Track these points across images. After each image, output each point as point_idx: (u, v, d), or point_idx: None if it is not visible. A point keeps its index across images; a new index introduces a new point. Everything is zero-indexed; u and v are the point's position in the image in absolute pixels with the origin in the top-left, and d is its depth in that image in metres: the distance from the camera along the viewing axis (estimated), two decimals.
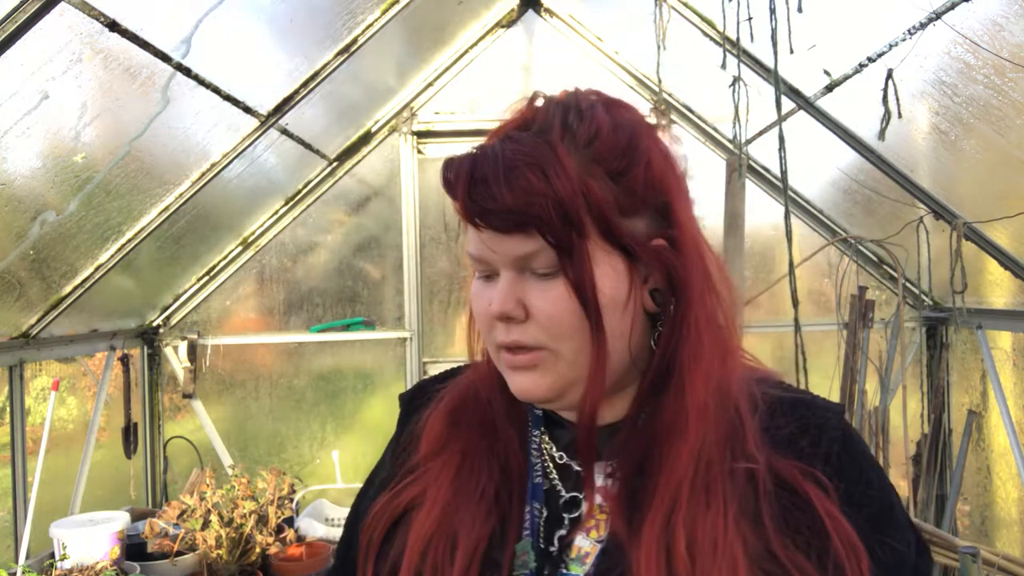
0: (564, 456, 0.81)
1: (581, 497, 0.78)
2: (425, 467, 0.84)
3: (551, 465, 0.81)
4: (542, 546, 0.77)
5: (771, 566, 0.69)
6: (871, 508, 0.74)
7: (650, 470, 0.73)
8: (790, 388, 0.80)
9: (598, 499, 0.76)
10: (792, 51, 2.27)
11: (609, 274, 0.72)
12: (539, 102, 0.77)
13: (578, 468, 0.79)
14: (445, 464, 0.82)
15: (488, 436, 0.83)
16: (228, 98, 2.52)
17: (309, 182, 3.60)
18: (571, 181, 0.69)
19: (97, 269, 2.78)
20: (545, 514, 0.78)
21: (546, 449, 0.82)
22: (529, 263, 0.72)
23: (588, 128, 0.73)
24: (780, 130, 2.35)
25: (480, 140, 0.76)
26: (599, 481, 0.77)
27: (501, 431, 0.82)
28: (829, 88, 2.68)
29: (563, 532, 0.77)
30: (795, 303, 2.51)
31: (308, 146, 3.27)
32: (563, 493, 0.79)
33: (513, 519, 0.78)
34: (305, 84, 2.78)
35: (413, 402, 0.93)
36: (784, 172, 2.38)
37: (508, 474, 0.81)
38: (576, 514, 0.78)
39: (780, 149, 2.36)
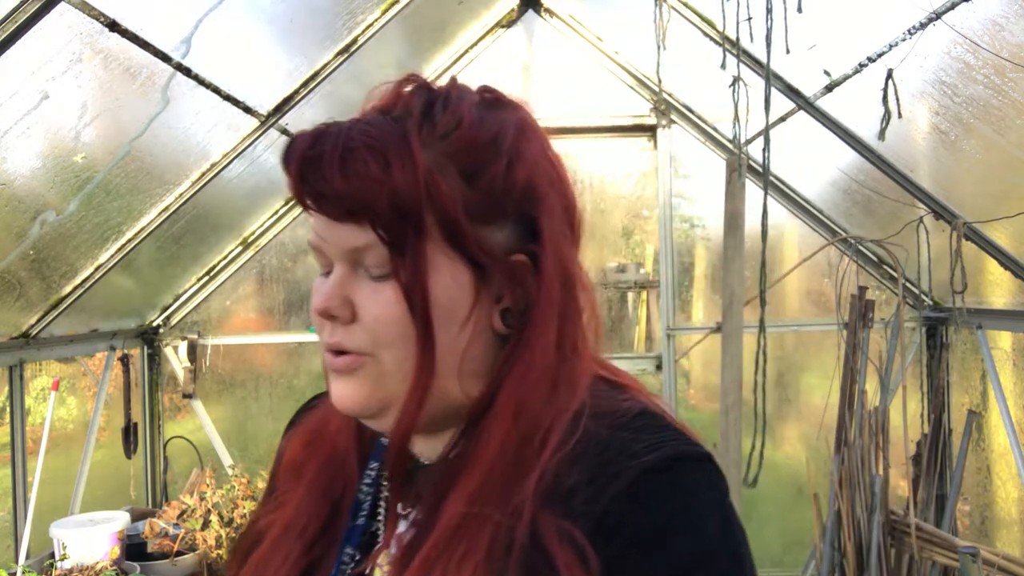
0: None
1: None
2: (280, 496, 0.77)
3: (384, 506, 0.72)
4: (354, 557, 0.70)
5: None
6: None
7: (436, 515, 0.64)
8: (636, 427, 0.64)
9: (394, 549, 0.67)
10: (788, 51, 2.27)
11: (448, 284, 0.63)
12: (409, 86, 0.69)
13: (401, 512, 0.70)
14: (290, 494, 0.75)
15: (333, 468, 0.75)
16: (228, 98, 2.52)
17: None
18: (415, 172, 0.61)
19: (97, 269, 2.78)
20: (358, 558, 0.70)
21: (385, 486, 0.73)
22: (362, 258, 0.65)
23: (449, 119, 0.65)
24: (767, 128, 2.35)
25: None
26: (401, 527, 0.68)
27: (346, 462, 0.74)
28: (829, 88, 2.68)
29: None
30: (763, 303, 2.53)
31: None
32: (380, 540, 0.71)
33: (323, 567, 0.70)
34: (305, 84, 2.78)
35: (291, 422, 0.85)
36: (766, 167, 2.40)
37: (337, 513, 0.72)
38: (364, 565, 0.70)
39: (764, 149, 2.37)
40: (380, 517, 0.71)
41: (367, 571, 0.69)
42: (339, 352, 0.66)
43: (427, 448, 0.71)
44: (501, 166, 0.65)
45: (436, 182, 0.62)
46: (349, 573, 0.69)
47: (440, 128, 0.64)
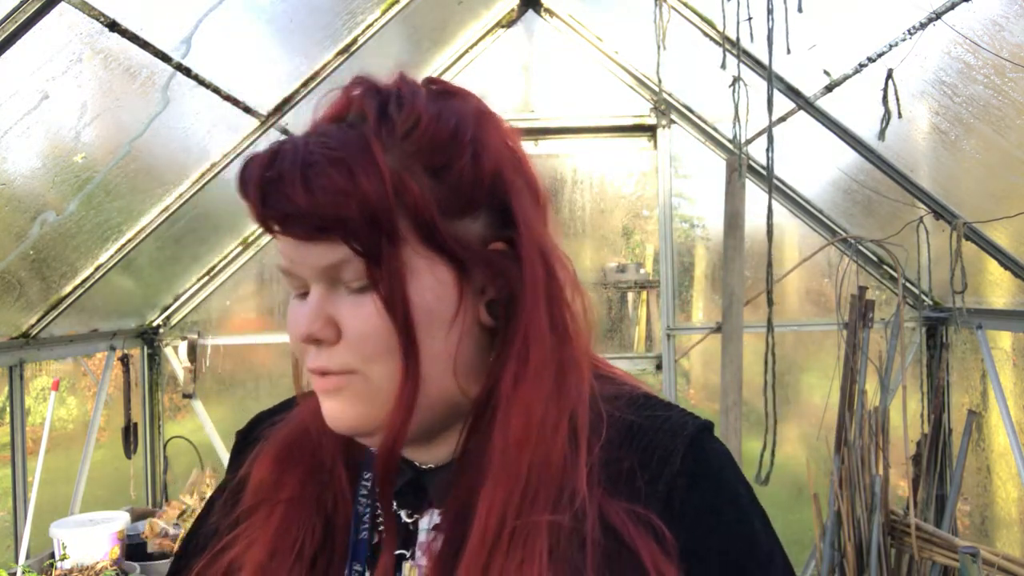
0: (395, 504, 0.70)
1: (407, 556, 0.68)
2: (247, 522, 0.71)
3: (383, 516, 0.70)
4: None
5: None
6: (720, 562, 0.62)
7: (467, 520, 0.63)
8: (646, 406, 0.67)
9: (420, 557, 0.66)
10: (789, 51, 2.27)
11: (431, 286, 0.62)
12: (357, 90, 0.66)
13: (407, 519, 0.69)
14: (267, 518, 0.70)
15: (317, 482, 0.71)
16: (228, 98, 2.53)
17: None
18: (381, 178, 0.59)
19: (97, 269, 2.78)
20: (367, 574, 0.68)
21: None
22: (339, 275, 0.62)
23: (406, 118, 0.63)
24: (770, 128, 2.35)
25: None
26: (422, 536, 0.68)
27: (333, 474, 0.71)
28: (829, 88, 2.68)
29: None
30: (770, 303, 2.52)
31: None
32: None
33: None
34: (305, 84, 2.78)
35: (247, 438, 0.80)
36: (770, 168, 2.39)
37: (333, 528, 0.69)
38: None
39: (768, 149, 2.37)
40: (382, 528, 0.69)
41: None
42: (324, 373, 0.64)
43: (428, 454, 0.70)
44: (467, 158, 0.63)
45: (404, 184, 0.60)
46: None
47: (399, 128, 0.62)
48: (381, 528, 0.69)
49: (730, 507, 0.64)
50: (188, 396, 3.63)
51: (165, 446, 3.65)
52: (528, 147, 3.60)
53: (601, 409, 0.65)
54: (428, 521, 0.68)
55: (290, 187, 0.58)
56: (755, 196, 3.32)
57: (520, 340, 0.64)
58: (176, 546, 2.56)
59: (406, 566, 0.67)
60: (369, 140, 0.60)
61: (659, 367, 3.60)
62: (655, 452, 0.63)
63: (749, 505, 0.65)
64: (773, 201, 2.56)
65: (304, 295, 0.65)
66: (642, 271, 3.70)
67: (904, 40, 2.24)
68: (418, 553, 0.67)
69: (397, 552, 0.68)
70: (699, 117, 3.54)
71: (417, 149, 0.62)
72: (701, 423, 0.66)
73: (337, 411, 0.64)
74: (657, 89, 3.35)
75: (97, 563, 2.37)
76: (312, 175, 0.58)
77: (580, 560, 0.60)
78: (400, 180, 0.60)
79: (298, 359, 0.68)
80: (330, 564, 0.68)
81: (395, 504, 0.70)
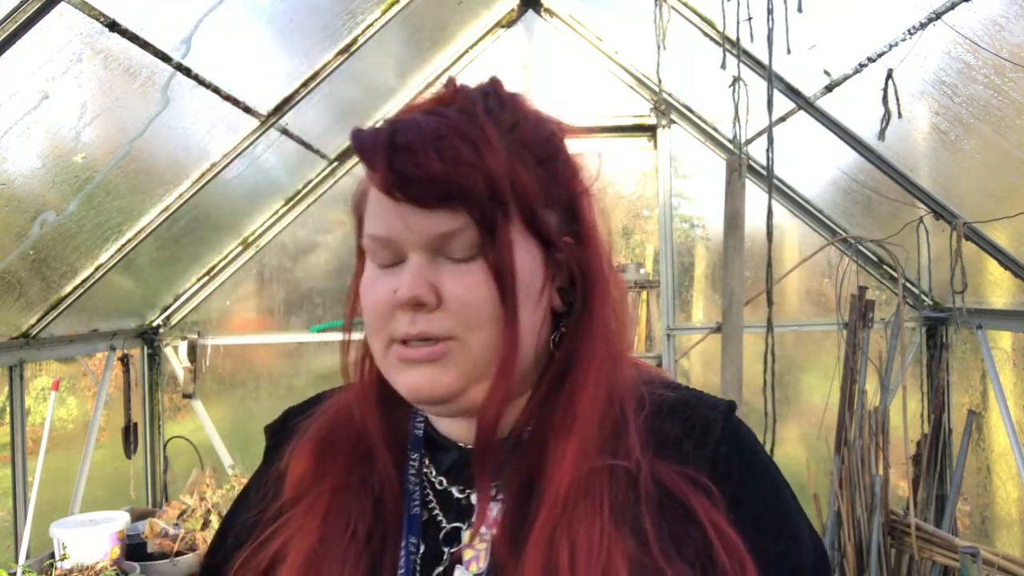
0: (444, 482, 0.74)
1: (463, 528, 0.71)
2: (291, 512, 0.74)
3: (431, 493, 0.74)
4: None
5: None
6: (761, 515, 0.70)
7: (534, 486, 0.68)
8: (678, 388, 0.76)
9: (483, 528, 0.70)
10: (789, 51, 2.27)
11: (528, 263, 0.67)
12: (453, 87, 0.73)
13: (459, 495, 0.73)
14: (312, 506, 0.73)
15: (361, 466, 0.74)
16: (228, 98, 2.53)
17: (309, 182, 3.60)
18: (500, 158, 0.65)
19: (97, 269, 2.78)
20: (423, 549, 0.71)
21: (426, 474, 0.74)
22: (446, 244, 0.66)
23: (511, 114, 0.70)
24: (770, 129, 2.35)
25: None
26: (493, 511, 0.71)
27: (377, 457, 0.73)
28: (829, 88, 2.68)
29: (440, 569, 0.70)
30: (769, 303, 2.52)
31: (308, 146, 3.27)
32: (444, 524, 0.72)
33: (387, 561, 0.70)
34: (305, 84, 2.78)
35: (278, 435, 0.83)
36: (770, 169, 2.39)
37: (382, 508, 0.72)
38: (455, 548, 0.71)
39: (768, 149, 2.37)
40: (432, 504, 0.73)
41: (451, 552, 0.71)
42: (419, 341, 0.66)
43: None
44: (562, 159, 0.71)
45: (516, 168, 0.66)
46: (419, 561, 0.71)
47: (504, 121, 0.68)
48: (431, 504, 0.73)
49: (763, 469, 0.73)
50: (188, 396, 3.63)
51: (165, 446, 3.65)
52: None
53: (642, 390, 0.72)
54: (482, 496, 0.71)
55: (422, 155, 0.63)
56: (755, 196, 3.32)
57: (593, 324, 0.71)
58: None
59: (465, 535, 0.71)
60: (485, 124, 0.66)
61: (659, 367, 3.60)
62: (697, 423, 0.71)
63: (774, 468, 0.75)
64: (773, 201, 2.56)
65: (390, 266, 0.68)
66: (642, 271, 3.70)
67: (904, 40, 2.24)
68: (481, 525, 0.70)
69: (453, 524, 0.72)
70: (699, 117, 3.54)
71: (523, 143, 0.68)
72: (729, 401, 0.75)
73: (430, 379, 0.67)
74: (657, 89, 3.35)
75: (97, 563, 2.37)
76: (442, 147, 0.63)
77: (637, 511, 0.66)
78: (511, 163, 0.66)
79: (372, 329, 0.69)
80: (385, 540, 0.71)
81: (445, 482, 0.74)
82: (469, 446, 0.73)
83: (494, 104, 0.69)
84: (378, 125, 0.67)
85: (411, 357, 0.67)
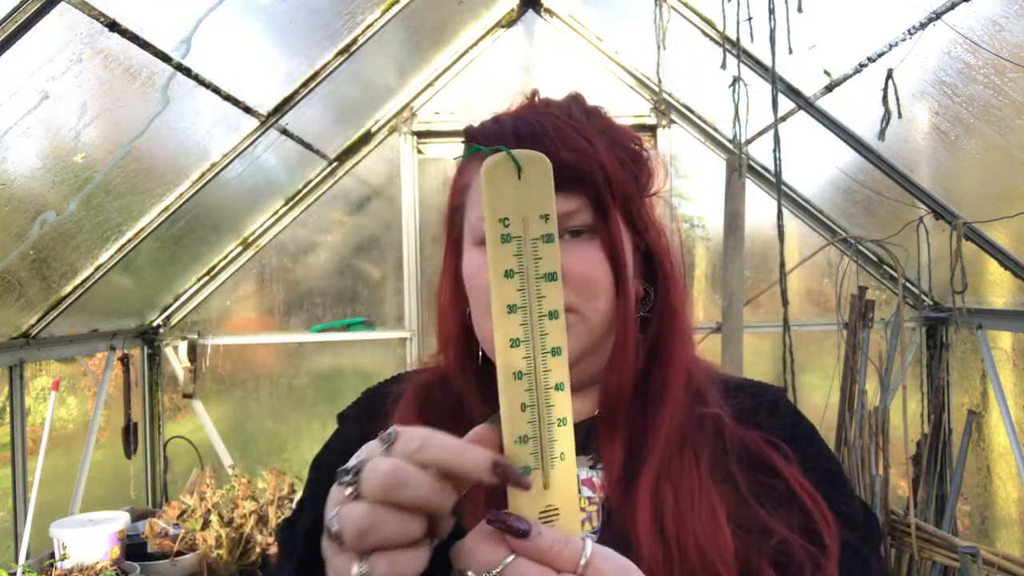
0: None
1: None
2: None
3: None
4: None
5: (746, 517, 0.72)
6: (826, 472, 0.79)
7: (634, 451, 0.75)
8: (725, 373, 0.86)
9: (586, 492, 0.76)
10: (791, 51, 2.27)
11: (626, 245, 0.76)
12: (539, 96, 0.81)
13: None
14: None
15: (460, 434, 0.78)
16: (228, 98, 2.53)
17: (309, 182, 3.60)
18: (606, 152, 0.74)
19: (97, 269, 2.78)
20: None
21: None
22: (565, 224, 0.73)
23: (599, 120, 0.79)
24: (776, 130, 2.35)
25: None
26: (583, 474, 0.77)
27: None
28: (829, 88, 2.68)
29: None
30: (784, 303, 2.51)
31: (308, 146, 3.27)
32: None
33: None
34: (305, 84, 2.78)
35: (366, 412, 0.88)
36: (778, 172, 2.38)
37: None
38: None
39: (775, 149, 2.37)
40: None
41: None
42: None
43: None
44: (641, 161, 0.81)
45: (615, 162, 0.75)
46: None
47: (597, 125, 0.77)
48: None
49: (822, 440, 0.84)
50: (188, 396, 3.63)
51: (165, 446, 3.65)
52: None
53: (711, 368, 0.84)
54: (581, 463, 0.76)
55: (549, 144, 0.71)
56: (755, 196, 3.33)
57: (672, 307, 0.80)
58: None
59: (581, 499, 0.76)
60: (586, 125, 0.76)
61: None
62: (765, 398, 0.83)
63: (828, 447, 0.85)
64: (773, 201, 2.56)
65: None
66: None
67: (904, 40, 2.24)
68: (585, 490, 0.76)
69: None
70: (699, 117, 3.54)
71: (615, 143, 0.78)
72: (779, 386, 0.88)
73: None
74: (657, 89, 3.35)
75: (97, 563, 2.37)
76: (565, 138, 0.72)
77: (727, 464, 0.75)
78: (612, 158, 0.75)
79: (483, 308, 0.75)
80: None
81: None
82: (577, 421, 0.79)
83: (583, 111, 0.79)
84: (489, 120, 0.76)
85: None
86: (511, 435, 0.54)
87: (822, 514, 0.73)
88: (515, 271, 0.54)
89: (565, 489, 0.54)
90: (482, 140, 0.75)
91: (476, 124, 0.77)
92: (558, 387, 0.54)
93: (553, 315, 0.55)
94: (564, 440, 0.54)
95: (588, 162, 0.73)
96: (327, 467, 0.84)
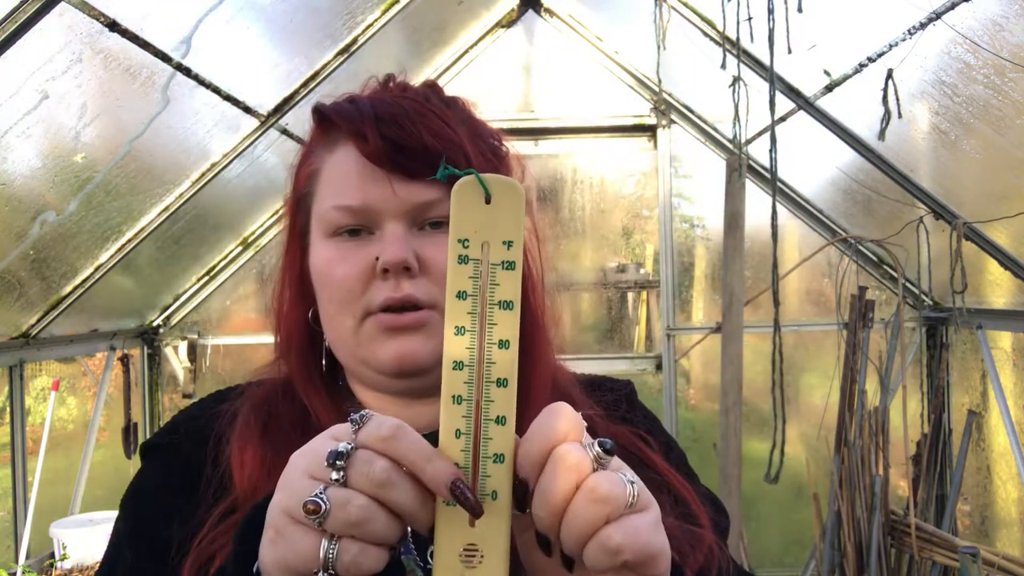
0: None
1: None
2: (247, 502, 0.68)
3: None
4: (419, 562, 0.68)
5: None
6: (680, 459, 0.83)
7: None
8: (584, 373, 0.87)
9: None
10: (791, 51, 2.27)
11: None
12: (396, 80, 0.78)
13: None
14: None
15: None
16: (228, 98, 2.53)
17: None
18: (469, 142, 0.70)
19: (97, 269, 2.78)
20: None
21: None
22: (424, 214, 0.69)
23: (460, 110, 0.75)
24: (772, 130, 2.34)
25: None
26: None
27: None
28: (829, 88, 2.68)
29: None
30: (776, 303, 2.51)
31: None
32: None
33: None
34: (305, 84, 2.78)
35: (188, 439, 0.75)
36: (774, 171, 2.38)
37: None
38: None
39: (772, 149, 2.37)
40: None
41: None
42: (410, 307, 0.68)
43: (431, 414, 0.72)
44: (502, 151, 0.76)
45: (477, 150, 0.71)
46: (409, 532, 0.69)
47: (456, 116, 0.73)
48: None
49: (669, 432, 0.86)
50: (188, 396, 3.63)
51: None
52: (528, 147, 3.62)
53: (569, 369, 0.82)
54: None
55: (409, 127, 0.68)
56: (755, 196, 3.32)
57: (532, 306, 0.75)
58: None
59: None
60: (448, 111, 0.71)
61: (659, 367, 3.60)
62: (621, 393, 0.84)
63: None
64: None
65: (354, 233, 0.70)
66: (642, 271, 3.70)
67: (904, 40, 2.24)
68: None
69: None
70: (699, 117, 3.54)
71: (476, 132, 0.73)
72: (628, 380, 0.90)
73: (414, 347, 0.69)
74: (657, 89, 3.35)
75: (97, 563, 2.37)
76: (428, 122, 0.68)
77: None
78: (474, 146, 0.71)
79: (342, 303, 0.70)
80: None
81: None
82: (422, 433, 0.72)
83: (442, 100, 0.74)
84: (344, 100, 0.71)
85: (398, 323, 0.69)
86: (449, 457, 0.51)
87: (694, 500, 0.74)
88: (468, 293, 0.53)
89: (493, 532, 0.50)
90: (336, 119, 0.71)
91: (327, 102, 0.72)
92: (499, 420, 0.51)
93: (503, 344, 0.53)
94: (498, 478, 0.51)
95: (451, 148, 0.68)
96: (149, 506, 0.74)
